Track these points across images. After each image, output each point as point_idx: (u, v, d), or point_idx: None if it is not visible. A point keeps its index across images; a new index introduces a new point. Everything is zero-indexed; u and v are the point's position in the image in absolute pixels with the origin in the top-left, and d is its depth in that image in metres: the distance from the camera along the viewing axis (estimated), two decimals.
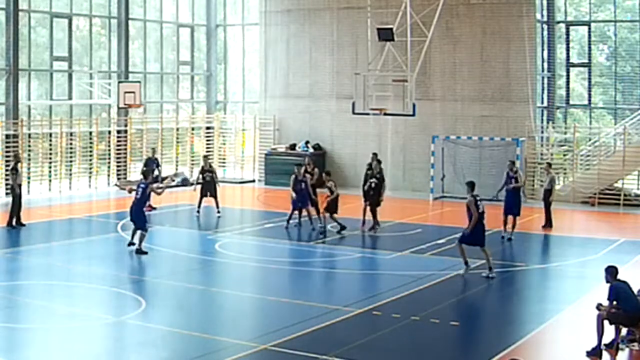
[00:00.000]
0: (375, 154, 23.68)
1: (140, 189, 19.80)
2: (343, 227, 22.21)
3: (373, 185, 22.70)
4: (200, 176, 25.23)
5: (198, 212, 24.80)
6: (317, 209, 23.16)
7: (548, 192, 23.92)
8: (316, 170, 24.09)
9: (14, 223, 22.61)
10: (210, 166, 25.64)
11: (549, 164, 25.13)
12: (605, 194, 28.63)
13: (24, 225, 22.70)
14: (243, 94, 37.27)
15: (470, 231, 17.38)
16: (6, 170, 27.37)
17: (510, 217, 22.08)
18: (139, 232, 19.43)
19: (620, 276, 12.58)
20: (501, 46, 30.42)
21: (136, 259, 19.41)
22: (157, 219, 24.43)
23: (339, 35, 33.28)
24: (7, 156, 28.07)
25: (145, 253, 19.19)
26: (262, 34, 35.08)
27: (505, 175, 22.62)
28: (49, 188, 30.06)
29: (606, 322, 12.32)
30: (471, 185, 17.76)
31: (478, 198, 17.53)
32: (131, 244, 19.63)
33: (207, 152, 35.77)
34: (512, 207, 22.06)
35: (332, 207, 22.19)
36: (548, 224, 23.92)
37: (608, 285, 12.45)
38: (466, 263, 17.72)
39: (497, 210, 25.48)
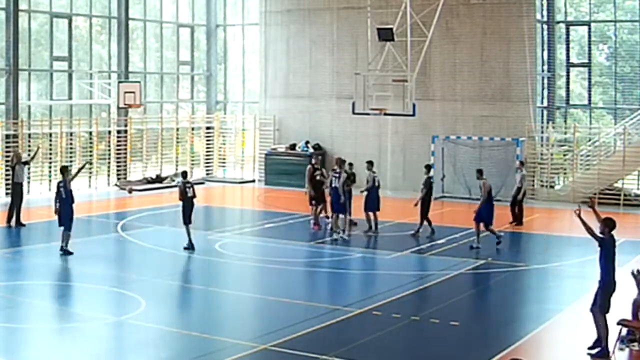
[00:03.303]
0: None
1: (62, 189, 19.28)
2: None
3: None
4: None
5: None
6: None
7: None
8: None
9: (12, 223, 22.56)
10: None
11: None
12: (605, 194, 28.59)
13: (24, 225, 22.68)
14: (243, 94, 37.24)
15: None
16: (6, 169, 27.39)
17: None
18: (65, 233, 19.14)
19: (620, 276, 12.58)
20: (501, 46, 30.40)
21: (136, 259, 19.44)
22: (158, 219, 24.46)
23: (339, 35, 33.26)
24: (7, 156, 28.05)
25: (71, 253, 18.99)
26: (262, 34, 35.06)
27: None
28: (49, 188, 30.02)
29: (609, 322, 12.30)
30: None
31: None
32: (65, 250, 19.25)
33: (207, 152, 35.82)
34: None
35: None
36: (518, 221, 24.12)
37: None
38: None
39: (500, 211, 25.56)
